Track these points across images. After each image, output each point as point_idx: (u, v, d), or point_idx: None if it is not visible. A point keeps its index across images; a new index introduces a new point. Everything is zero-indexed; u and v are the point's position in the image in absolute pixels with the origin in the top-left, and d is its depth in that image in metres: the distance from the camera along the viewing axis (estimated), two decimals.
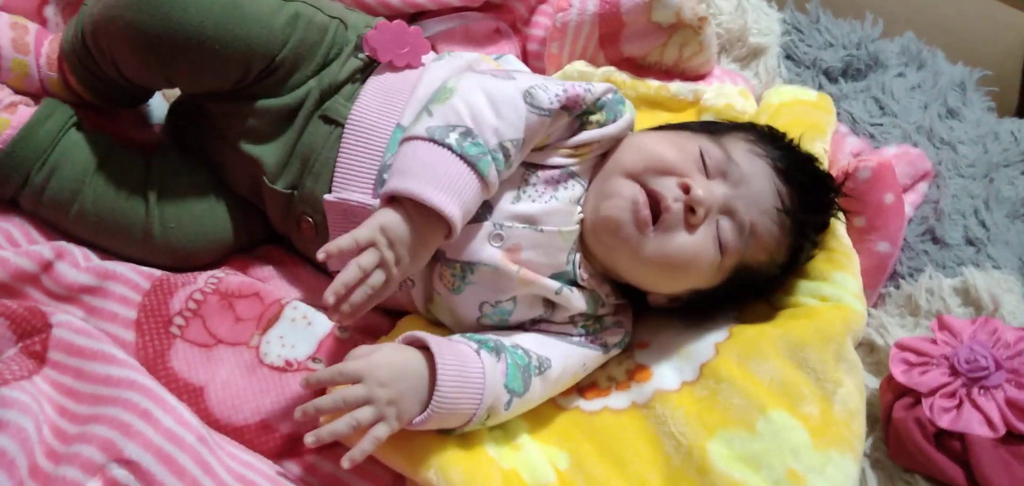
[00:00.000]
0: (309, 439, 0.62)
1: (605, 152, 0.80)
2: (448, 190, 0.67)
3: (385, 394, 0.64)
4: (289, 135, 0.78)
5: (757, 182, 0.76)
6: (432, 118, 0.70)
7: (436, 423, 0.68)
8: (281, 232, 0.85)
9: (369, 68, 0.81)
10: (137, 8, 0.71)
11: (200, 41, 0.71)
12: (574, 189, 0.77)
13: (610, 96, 0.78)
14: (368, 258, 0.65)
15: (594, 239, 0.77)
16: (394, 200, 0.68)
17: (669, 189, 0.74)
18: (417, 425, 0.66)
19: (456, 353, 0.69)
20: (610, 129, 0.77)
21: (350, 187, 0.76)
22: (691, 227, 0.74)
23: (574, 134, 0.77)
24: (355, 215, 0.76)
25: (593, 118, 0.77)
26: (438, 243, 0.70)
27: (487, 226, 0.73)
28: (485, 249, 0.73)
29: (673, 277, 0.77)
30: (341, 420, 0.63)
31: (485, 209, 0.73)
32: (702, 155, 0.76)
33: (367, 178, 0.77)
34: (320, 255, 0.65)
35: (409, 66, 0.81)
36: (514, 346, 0.74)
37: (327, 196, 0.76)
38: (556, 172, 0.76)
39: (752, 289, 0.82)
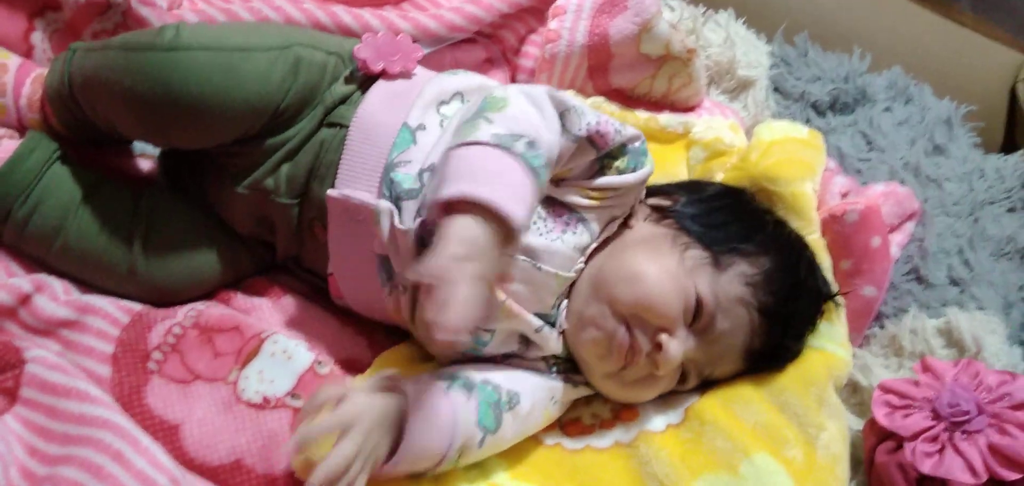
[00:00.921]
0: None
1: (619, 205, 0.78)
2: (520, 200, 0.62)
3: (369, 444, 0.65)
4: (292, 149, 0.77)
5: (733, 337, 0.75)
6: (494, 126, 0.66)
7: (406, 467, 0.68)
8: (290, 252, 0.82)
9: (367, 81, 0.80)
10: (135, 77, 0.70)
11: (201, 108, 0.71)
12: (582, 236, 0.76)
13: (637, 144, 0.76)
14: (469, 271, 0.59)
15: (571, 338, 0.77)
16: (452, 206, 0.62)
17: (644, 343, 0.73)
18: (387, 471, 0.66)
19: (426, 396, 0.69)
20: (629, 178, 0.76)
21: (354, 183, 0.75)
22: (653, 374, 0.75)
23: (594, 176, 0.76)
24: (357, 214, 0.75)
25: (615, 163, 0.76)
26: (493, 256, 0.62)
27: None
28: None
29: (631, 399, 0.78)
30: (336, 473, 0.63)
31: None
32: (698, 306, 0.74)
33: (371, 175, 0.75)
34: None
35: (403, 72, 0.80)
36: (484, 382, 0.73)
37: (330, 191, 0.75)
38: (568, 213, 0.75)
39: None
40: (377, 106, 0.78)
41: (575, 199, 0.75)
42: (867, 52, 1.12)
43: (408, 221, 0.73)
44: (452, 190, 0.62)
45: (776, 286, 0.76)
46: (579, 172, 0.76)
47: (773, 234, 0.81)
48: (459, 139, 0.67)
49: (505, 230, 0.62)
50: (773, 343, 0.77)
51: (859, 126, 1.06)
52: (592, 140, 0.73)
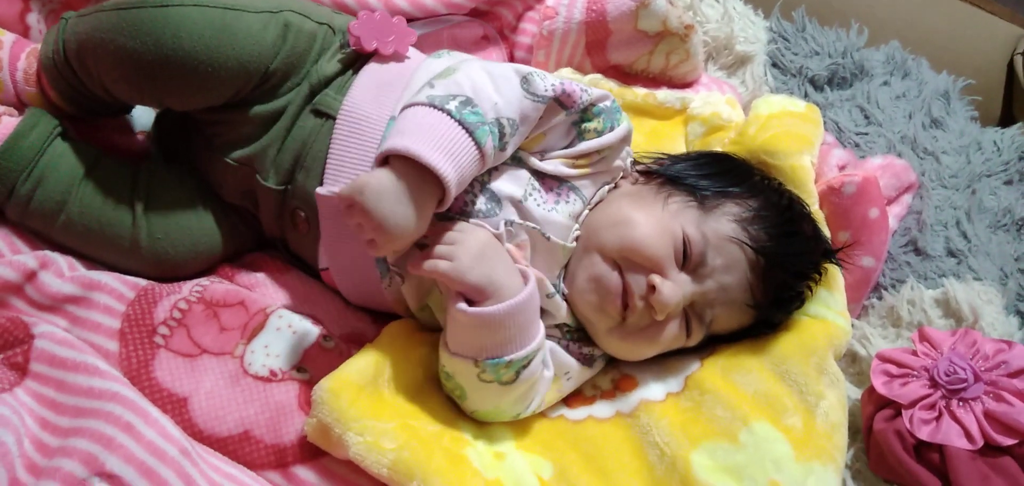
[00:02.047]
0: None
1: (606, 171, 0.79)
2: (444, 151, 0.67)
3: (470, 245, 0.69)
4: (278, 130, 0.78)
5: (729, 276, 0.76)
6: (434, 89, 0.71)
7: (492, 322, 0.69)
8: (274, 233, 0.84)
9: (357, 62, 0.80)
10: (128, 34, 0.70)
11: (193, 65, 0.71)
12: (574, 204, 0.77)
13: (607, 103, 0.78)
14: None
15: (571, 300, 0.78)
16: (387, 162, 0.67)
17: (638, 285, 0.74)
18: (475, 312, 0.68)
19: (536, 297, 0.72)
20: (607, 138, 0.77)
21: (343, 180, 0.76)
22: (655, 321, 0.75)
23: (573, 144, 0.77)
24: None
25: (590, 126, 0.77)
26: (430, 208, 0.69)
27: (498, 222, 0.73)
28: (503, 243, 0.73)
29: (636, 355, 0.79)
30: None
31: (495, 205, 0.73)
32: (685, 243, 0.75)
33: (360, 171, 0.76)
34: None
35: (396, 54, 0.81)
36: None
37: (319, 190, 0.76)
38: (558, 184, 0.77)
39: (725, 337, 0.81)
40: (365, 98, 0.78)
41: (563, 170, 0.77)
42: (865, 27, 1.13)
43: None
44: (382, 147, 0.68)
45: (768, 224, 0.77)
46: (559, 141, 0.77)
47: (762, 182, 0.82)
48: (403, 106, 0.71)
49: (429, 178, 0.67)
50: (775, 284, 0.77)
51: (857, 100, 1.06)
52: (559, 100, 0.75)
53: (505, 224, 0.74)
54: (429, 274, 0.70)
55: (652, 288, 0.73)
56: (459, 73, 0.72)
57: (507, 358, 0.70)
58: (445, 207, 0.70)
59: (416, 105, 0.70)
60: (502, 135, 0.71)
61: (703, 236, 0.75)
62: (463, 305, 0.69)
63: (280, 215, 0.81)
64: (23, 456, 0.61)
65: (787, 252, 0.78)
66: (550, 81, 0.74)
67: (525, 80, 0.73)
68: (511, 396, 0.73)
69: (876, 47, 1.13)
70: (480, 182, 0.74)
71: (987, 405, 0.74)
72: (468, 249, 0.69)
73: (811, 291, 0.82)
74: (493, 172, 0.75)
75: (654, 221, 0.75)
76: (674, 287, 0.74)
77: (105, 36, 0.71)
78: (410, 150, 0.66)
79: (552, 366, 0.76)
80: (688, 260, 0.75)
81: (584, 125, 0.77)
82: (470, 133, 0.68)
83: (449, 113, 0.68)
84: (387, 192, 0.66)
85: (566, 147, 0.78)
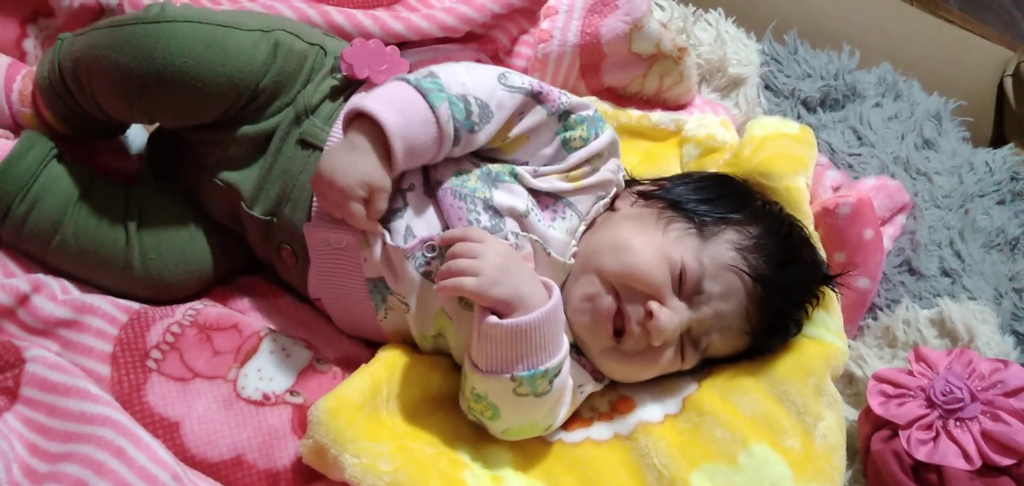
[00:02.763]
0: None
1: (599, 185, 0.79)
2: (391, 104, 0.70)
3: (492, 258, 0.68)
4: (265, 160, 0.78)
5: (726, 304, 0.76)
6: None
7: (519, 337, 0.68)
8: (263, 259, 0.84)
9: (346, 89, 0.80)
10: (121, 49, 0.71)
11: (184, 81, 0.71)
12: (570, 219, 0.78)
13: (588, 112, 0.79)
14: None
15: (570, 320, 0.77)
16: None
17: (636, 312, 0.74)
18: (504, 325, 0.68)
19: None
20: (594, 145, 0.78)
21: (330, 215, 0.76)
22: (651, 346, 0.75)
23: (562, 158, 0.78)
24: (339, 242, 0.75)
25: (575, 135, 0.78)
26: (377, 163, 0.70)
27: (504, 235, 0.73)
28: None
29: (631, 377, 0.79)
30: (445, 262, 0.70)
31: (498, 220, 0.74)
32: (682, 271, 0.75)
33: None
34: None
35: None
36: None
37: (307, 224, 0.76)
38: (553, 201, 0.77)
39: (720, 360, 0.81)
40: None
41: (556, 185, 0.77)
42: (856, 49, 1.14)
43: (399, 240, 0.74)
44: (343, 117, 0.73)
45: (768, 252, 0.77)
46: (547, 154, 0.78)
47: (763, 208, 0.82)
48: None
49: (378, 132, 0.70)
50: (772, 312, 0.77)
51: (849, 122, 1.07)
52: (537, 96, 0.76)
53: (511, 236, 0.74)
54: (454, 292, 0.69)
55: (649, 314, 0.73)
56: (434, 69, 0.75)
57: (543, 368, 0.69)
58: (395, 169, 0.71)
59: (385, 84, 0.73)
60: (469, 113, 0.72)
61: (701, 264, 0.75)
62: (494, 318, 0.68)
63: (266, 245, 0.81)
64: (11, 482, 0.60)
65: (785, 281, 0.77)
66: (528, 79, 0.76)
67: (502, 74, 0.75)
68: (545, 407, 0.72)
69: (868, 69, 1.13)
70: (482, 199, 0.74)
71: (984, 425, 0.74)
72: (492, 263, 0.69)
73: (807, 317, 0.82)
74: (492, 189, 0.75)
75: (654, 248, 0.75)
76: (671, 315, 0.74)
77: (99, 52, 0.72)
78: (354, 104, 0.70)
79: (563, 374, 0.75)
80: (685, 287, 0.75)
81: (568, 134, 0.78)
82: (424, 96, 0.70)
83: (406, 80, 0.72)
84: (335, 149, 0.71)
85: (557, 163, 0.78)
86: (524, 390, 0.70)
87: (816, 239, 0.87)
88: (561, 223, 0.77)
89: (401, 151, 0.70)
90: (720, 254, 0.76)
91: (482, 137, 0.74)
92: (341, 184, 0.69)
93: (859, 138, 1.05)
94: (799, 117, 1.09)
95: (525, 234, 0.74)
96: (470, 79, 0.74)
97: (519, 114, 0.76)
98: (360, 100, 0.70)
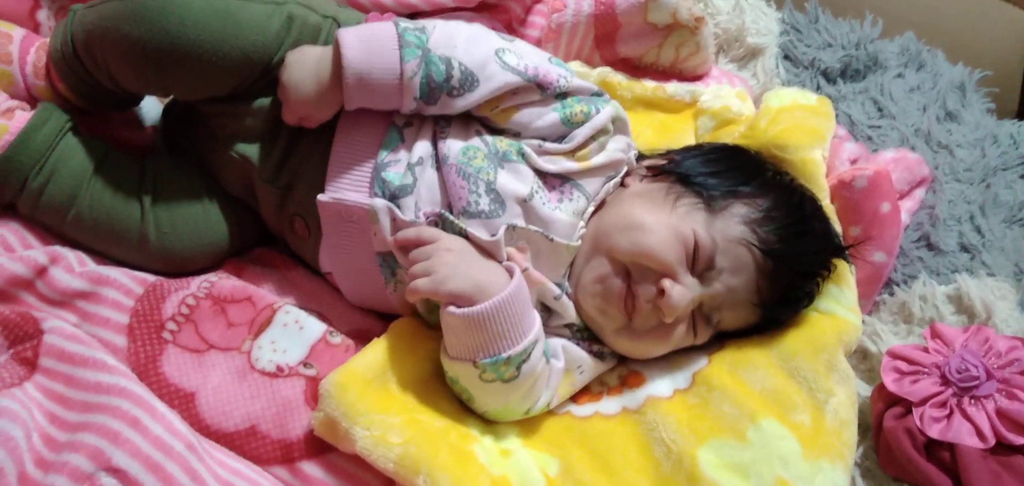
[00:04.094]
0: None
1: (609, 165, 0.79)
2: (363, 41, 0.72)
3: (444, 256, 0.70)
4: (282, 133, 0.78)
5: (737, 279, 0.75)
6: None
7: (480, 324, 0.69)
8: (276, 233, 0.85)
9: None
10: (134, 21, 0.71)
11: (197, 53, 0.71)
12: (578, 201, 0.77)
13: (587, 89, 0.79)
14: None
15: (580, 302, 0.77)
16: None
17: (647, 290, 0.74)
18: (464, 314, 0.68)
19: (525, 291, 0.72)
20: (598, 119, 0.77)
21: (344, 186, 0.76)
22: (663, 323, 0.75)
23: (568, 137, 0.77)
24: (351, 215, 0.76)
25: (577, 109, 0.77)
26: (335, 92, 0.73)
27: (498, 225, 0.73)
28: (501, 248, 0.74)
29: (644, 354, 0.79)
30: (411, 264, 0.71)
31: (498, 206, 0.73)
32: (695, 247, 0.74)
33: (362, 176, 0.76)
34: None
35: None
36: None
37: (320, 196, 0.76)
38: (561, 182, 0.77)
39: (732, 334, 0.81)
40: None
41: (565, 166, 0.77)
42: (879, 18, 1.11)
43: (409, 215, 0.74)
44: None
45: (778, 224, 0.76)
46: (542, 127, 0.77)
47: (774, 178, 0.81)
48: None
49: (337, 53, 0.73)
50: (783, 285, 0.77)
51: (870, 93, 1.05)
52: (539, 84, 0.76)
53: (505, 229, 0.73)
54: (414, 296, 0.71)
55: (662, 292, 0.73)
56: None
57: (504, 355, 0.70)
58: (348, 100, 0.73)
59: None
60: (449, 77, 0.73)
61: (713, 239, 0.75)
62: (452, 308, 0.69)
63: (279, 218, 0.81)
64: (31, 450, 0.62)
65: (796, 253, 0.77)
66: (529, 61, 0.76)
67: (500, 51, 0.75)
68: (517, 393, 0.73)
69: (890, 38, 1.11)
70: (485, 181, 0.74)
71: (999, 403, 0.73)
72: (443, 260, 0.70)
73: (818, 290, 0.81)
74: (498, 169, 0.75)
75: (665, 225, 0.75)
76: (684, 291, 0.73)
77: (111, 25, 0.72)
78: (337, 32, 0.73)
79: (562, 358, 0.76)
80: (697, 263, 0.75)
81: (567, 111, 0.77)
82: (400, 46, 0.72)
83: (395, 25, 0.73)
84: (307, 60, 0.74)
85: (562, 141, 0.77)
86: (489, 376, 0.71)
87: (830, 212, 0.85)
88: (568, 205, 0.76)
89: (353, 86, 0.72)
90: (730, 229, 0.75)
91: (461, 103, 0.74)
92: (289, 93, 0.74)
93: (879, 110, 1.03)
94: (818, 88, 1.07)
95: (523, 227, 0.74)
96: (464, 44, 0.74)
97: (512, 93, 0.76)
98: (343, 30, 0.74)
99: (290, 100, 0.74)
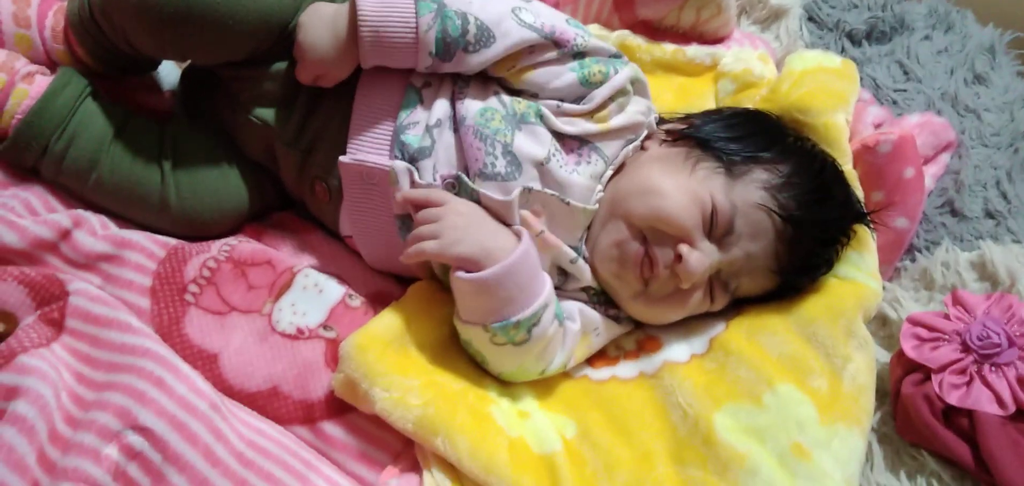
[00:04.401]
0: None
1: (629, 128, 0.78)
2: None
3: (452, 219, 0.70)
4: (302, 96, 0.78)
5: (756, 245, 0.75)
6: None
7: (489, 289, 0.69)
8: (296, 196, 0.85)
9: None
10: None
11: (215, 16, 0.71)
12: (596, 164, 0.77)
13: (604, 50, 0.78)
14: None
15: (593, 265, 0.77)
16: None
17: (664, 255, 0.74)
18: (472, 279, 0.69)
19: (532, 252, 0.72)
20: (617, 80, 0.77)
21: (365, 148, 0.76)
22: (680, 289, 0.74)
23: (587, 98, 0.76)
24: (372, 177, 0.76)
25: (595, 69, 0.76)
26: (351, 49, 0.73)
27: (513, 187, 0.73)
28: (517, 211, 0.74)
29: (660, 320, 0.78)
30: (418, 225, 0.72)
31: (515, 168, 0.73)
32: (713, 211, 0.74)
33: (383, 138, 0.76)
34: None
35: None
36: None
37: (342, 158, 0.76)
38: (579, 144, 0.76)
39: (750, 301, 0.80)
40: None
41: (583, 127, 0.76)
42: None
43: (428, 177, 0.74)
44: None
45: (798, 190, 0.75)
46: (560, 87, 0.76)
47: (795, 144, 0.80)
48: None
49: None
50: (802, 251, 0.76)
51: (896, 55, 1.03)
52: (551, 37, 0.75)
53: (521, 191, 0.73)
54: (418, 256, 0.71)
55: (679, 257, 0.72)
56: None
57: (514, 319, 0.70)
58: (363, 57, 0.73)
59: None
60: (465, 32, 0.72)
61: (732, 204, 0.74)
62: (461, 273, 0.70)
63: (299, 181, 0.82)
64: (61, 408, 0.63)
65: (816, 219, 0.76)
66: (546, 19, 0.75)
67: (518, 8, 0.75)
68: (530, 355, 0.73)
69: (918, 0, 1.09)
70: (502, 143, 0.74)
71: (1020, 370, 0.72)
72: (452, 223, 0.70)
73: (838, 256, 0.81)
74: (515, 131, 0.74)
75: (683, 189, 0.74)
76: (701, 257, 0.73)
77: None
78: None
79: (578, 320, 0.76)
80: (715, 228, 0.74)
81: (585, 71, 0.76)
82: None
83: None
84: (323, 16, 0.74)
85: (581, 102, 0.76)
86: (500, 340, 0.71)
87: (853, 178, 0.84)
88: (586, 168, 0.76)
89: (368, 41, 0.72)
90: (749, 194, 0.75)
91: (477, 60, 0.74)
92: (304, 51, 0.74)
93: (905, 73, 1.02)
94: (843, 51, 1.05)
95: (539, 190, 0.74)
96: (480, 1, 0.73)
97: (528, 51, 0.75)
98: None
99: (306, 57, 0.74)
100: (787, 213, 0.74)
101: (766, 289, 0.78)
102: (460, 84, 0.77)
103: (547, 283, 0.73)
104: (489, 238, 0.70)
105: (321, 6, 0.75)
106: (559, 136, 0.76)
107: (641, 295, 0.76)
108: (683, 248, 0.73)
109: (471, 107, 0.75)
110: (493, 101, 0.76)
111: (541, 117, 0.75)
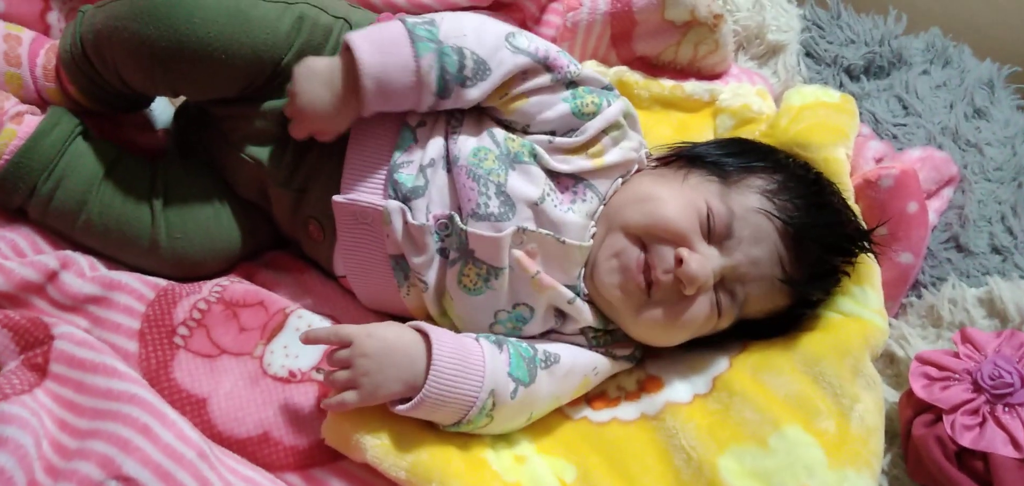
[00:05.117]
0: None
1: (622, 164, 0.78)
2: (375, 44, 0.71)
3: (363, 364, 0.66)
4: (294, 141, 0.77)
5: (758, 249, 0.73)
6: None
7: (428, 411, 0.68)
8: (289, 235, 0.84)
9: None
10: (142, 20, 0.70)
11: (207, 52, 0.71)
12: (591, 201, 0.76)
13: (597, 81, 0.78)
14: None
15: (594, 289, 0.76)
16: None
17: (664, 260, 0.72)
18: (406, 411, 0.67)
19: (455, 339, 0.70)
20: (610, 113, 0.76)
21: (359, 188, 0.75)
22: (684, 297, 0.73)
23: (580, 130, 0.76)
24: (366, 216, 0.75)
25: (588, 99, 0.76)
26: (352, 103, 0.72)
27: (509, 227, 0.72)
28: (508, 252, 0.72)
29: (668, 337, 0.76)
30: (325, 375, 0.68)
31: (508, 209, 0.72)
32: (709, 215, 0.73)
33: (376, 178, 0.76)
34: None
35: None
36: (517, 341, 0.74)
37: (336, 197, 0.76)
38: (574, 182, 0.75)
39: (759, 330, 0.79)
40: None
41: (578, 165, 0.75)
42: (903, 13, 1.10)
43: (421, 218, 0.73)
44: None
45: (795, 194, 0.75)
46: (551, 119, 0.75)
47: (786, 159, 0.80)
48: None
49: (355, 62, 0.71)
50: (809, 259, 0.74)
51: (895, 90, 1.03)
52: (545, 62, 0.74)
53: (515, 231, 0.72)
54: (342, 410, 0.68)
55: (679, 261, 0.71)
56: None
57: (466, 419, 0.69)
58: (365, 106, 0.72)
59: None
60: (462, 67, 0.72)
61: (728, 208, 0.74)
62: (399, 407, 0.68)
63: (293, 221, 0.81)
64: (41, 458, 0.61)
65: (817, 223, 0.75)
66: (538, 44, 0.75)
67: (511, 34, 0.75)
68: (508, 422, 0.72)
69: (915, 34, 1.09)
70: (495, 183, 0.73)
71: None
72: (363, 369, 0.66)
73: (848, 275, 0.79)
74: (509, 171, 0.73)
75: (677, 195, 0.74)
76: (702, 259, 0.72)
77: (120, 23, 0.71)
78: (346, 36, 0.71)
79: (565, 361, 0.74)
80: (713, 232, 0.73)
81: (578, 102, 0.75)
82: (412, 41, 0.71)
83: (402, 22, 0.72)
84: (318, 73, 0.72)
85: (574, 135, 0.75)
86: (468, 430, 0.70)
87: (856, 211, 0.83)
88: (581, 206, 0.75)
89: (371, 91, 0.71)
90: (746, 199, 0.74)
91: (475, 93, 0.73)
92: (303, 111, 0.72)
93: (905, 107, 1.01)
94: (841, 86, 1.05)
95: (534, 230, 0.73)
96: (473, 33, 0.73)
97: (521, 76, 0.74)
98: (352, 34, 0.72)
99: (305, 117, 0.72)
100: (787, 215, 0.73)
101: (777, 305, 0.76)
102: (454, 122, 0.77)
103: (484, 366, 0.69)
104: (405, 368, 0.67)
105: (313, 63, 0.73)
106: (553, 174, 0.75)
107: (644, 308, 0.74)
108: (683, 251, 0.71)
109: (464, 146, 0.74)
110: (486, 139, 0.75)
111: (535, 156, 0.74)
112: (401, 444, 0.67)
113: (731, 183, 0.75)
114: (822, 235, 0.75)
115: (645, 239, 0.73)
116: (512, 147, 0.74)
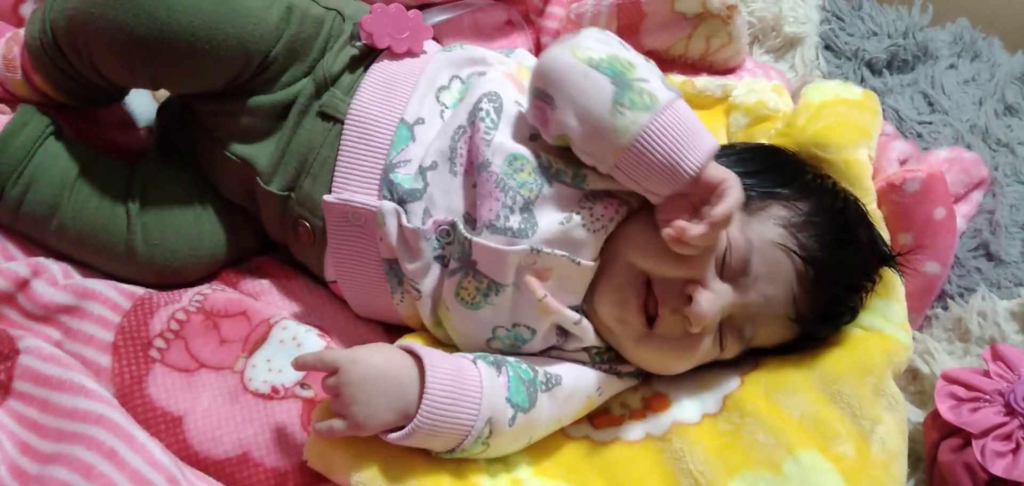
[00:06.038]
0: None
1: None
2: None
3: (350, 393, 0.62)
4: (283, 133, 0.74)
5: (773, 288, 0.69)
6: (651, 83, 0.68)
7: (421, 440, 0.64)
8: (277, 239, 0.81)
9: (367, 57, 0.76)
10: (119, 6, 0.66)
11: (189, 41, 0.67)
12: (612, 221, 0.71)
13: None
14: None
15: (592, 311, 0.72)
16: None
17: (670, 297, 0.68)
18: (398, 439, 0.63)
19: (450, 362, 0.66)
20: None
21: (352, 187, 0.72)
22: (688, 333, 0.69)
23: None
24: (359, 218, 0.72)
25: None
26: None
27: (522, 245, 0.67)
28: (514, 270, 0.68)
29: (666, 369, 0.72)
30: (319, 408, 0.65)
31: (529, 227, 0.68)
32: (728, 249, 0.68)
33: (371, 177, 0.72)
34: None
35: (410, 52, 0.77)
36: (517, 361, 0.70)
37: (327, 197, 0.72)
38: (605, 196, 0.70)
39: (767, 353, 0.75)
40: (372, 99, 0.74)
41: (608, 183, 0.70)
42: (929, 3, 1.08)
43: (416, 221, 0.70)
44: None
45: (820, 230, 0.70)
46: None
47: (815, 182, 0.75)
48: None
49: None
50: (824, 298, 0.70)
51: (920, 86, 1.00)
52: None
53: (529, 251, 0.68)
54: (329, 436, 0.64)
55: (689, 299, 0.67)
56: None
57: (461, 447, 0.65)
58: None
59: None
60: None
61: (747, 240, 0.69)
62: (391, 436, 0.64)
63: (282, 222, 0.77)
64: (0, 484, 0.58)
65: (839, 263, 0.70)
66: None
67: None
68: (505, 449, 0.69)
69: (941, 26, 1.07)
70: (524, 198, 0.68)
71: None
72: (350, 397, 0.62)
73: (862, 304, 0.75)
74: (544, 187, 0.68)
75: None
76: (713, 298, 0.67)
77: (95, 10, 0.67)
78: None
79: (568, 383, 0.70)
80: (728, 267, 0.68)
81: None
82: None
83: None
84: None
85: None
86: (462, 456, 0.66)
87: (877, 218, 0.79)
88: (600, 224, 0.69)
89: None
90: (766, 231, 0.69)
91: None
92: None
93: (930, 104, 0.98)
94: (863, 81, 1.02)
95: (549, 252, 0.68)
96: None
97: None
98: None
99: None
100: (808, 253, 0.69)
101: (783, 338, 0.73)
102: (487, 123, 0.71)
103: (480, 389, 0.65)
104: (396, 396, 0.63)
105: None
106: (591, 194, 0.70)
107: (645, 339, 0.70)
108: (694, 290, 0.67)
109: (501, 148, 0.69)
110: (526, 148, 0.70)
111: (575, 177, 0.69)
112: (389, 470, 0.64)
113: (753, 211, 0.70)
114: (843, 277, 0.71)
115: (653, 274, 0.69)
116: (556, 165, 0.69)
